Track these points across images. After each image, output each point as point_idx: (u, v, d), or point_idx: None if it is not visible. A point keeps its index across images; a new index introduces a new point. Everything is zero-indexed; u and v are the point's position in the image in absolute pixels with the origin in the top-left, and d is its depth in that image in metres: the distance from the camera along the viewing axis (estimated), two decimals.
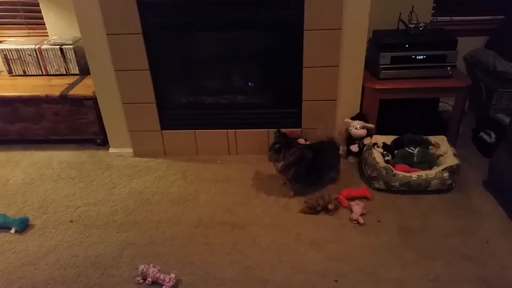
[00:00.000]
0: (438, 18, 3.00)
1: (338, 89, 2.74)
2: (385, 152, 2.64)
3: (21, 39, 3.43)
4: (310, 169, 2.49)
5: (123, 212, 2.47)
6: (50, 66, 3.25)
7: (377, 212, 2.38)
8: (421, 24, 2.78)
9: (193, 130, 2.93)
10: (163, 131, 2.94)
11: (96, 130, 3.08)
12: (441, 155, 2.62)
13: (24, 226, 2.36)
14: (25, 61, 3.24)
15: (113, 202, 2.56)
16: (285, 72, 2.77)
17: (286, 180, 2.54)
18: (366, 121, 2.78)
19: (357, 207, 2.34)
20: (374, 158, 2.54)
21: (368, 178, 2.60)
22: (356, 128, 2.76)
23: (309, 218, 2.36)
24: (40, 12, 3.30)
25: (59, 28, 3.34)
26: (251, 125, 2.90)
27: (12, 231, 2.34)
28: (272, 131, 2.84)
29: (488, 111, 3.09)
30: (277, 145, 2.43)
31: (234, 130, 2.91)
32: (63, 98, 2.97)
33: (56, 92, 2.97)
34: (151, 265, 2.01)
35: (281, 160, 2.43)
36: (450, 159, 2.52)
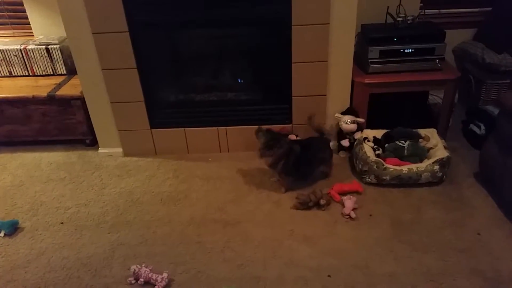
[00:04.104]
0: (426, 11, 2.99)
1: (328, 84, 2.73)
2: (375, 146, 2.64)
3: (6, 39, 3.37)
4: (299, 163, 2.49)
5: (114, 213, 2.45)
6: (36, 66, 3.20)
7: (368, 206, 2.38)
8: (409, 17, 2.78)
9: (183, 128, 2.91)
10: (153, 129, 2.91)
11: (85, 130, 3.05)
12: (431, 148, 2.62)
13: (13, 229, 2.34)
14: (10, 62, 3.19)
15: (104, 202, 2.54)
16: (274, 68, 2.75)
17: (277, 174, 2.53)
18: (356, 116, 2.78)
19: (349, 201, 2.34)
20: (365, 152, 2.54)
21: (359, 173, 2.60)
22: (346, 123, 2.76)
23: (302, 214, 2.36)
24: (25, 11, 3.26)
25: (44, 28, 3.30)
26: (242, 122, 2.88)
27: (1, 234, 2.31)
28: (264, 127, 2.84)
29: (477, 103, 3.11)
30: (271, 142, 2.42)
31: (224, 128, 2.90)
32: (51, 99, 2.93)
33: (43, 93, 2.93)
34: (143, 265, 1.99)
35: (271, 155, 2.43)
36: (440, 151, 2.53)
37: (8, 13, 3.34)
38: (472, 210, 2.32)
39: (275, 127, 2.84)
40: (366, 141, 2.66)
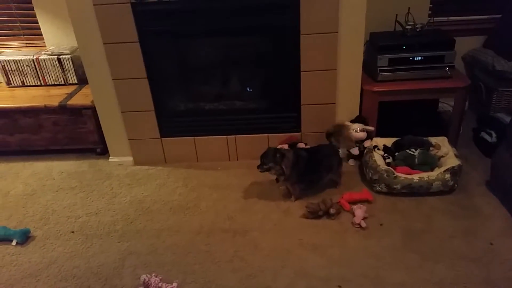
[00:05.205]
0: (434, 18, 2.99)
1: (337, 93, 2.73)
2: (385, 155, 2.63)
3: (19, 50, 3.43)
4: (307, 170, 2.48)
5: (124, 221, 2.46)
6: (48, 76, 3.25)
7: (379, 216, 2.36)
8: (418, 25, 2.77)
9: (193, 137, 2.92)
10: (163, 138, 2.93)
11: (96, 139, 3.07)
12: (442, 156, 2.60)
13: (25, 237, 2.36)
14: (23, 72, 3.24)
15: (114, 211, 2.55)
16: (283, 76, 2.76)
17: (288, 183, 2.52)
18: (366, 124, 2.77)
19: (359, 210, 2.33)
20: (375, 161, 2.53)
21: (369, 181, 2.58)
22: (356, 131, 2.75)
23: (311, 223, 2.35)
24: (37, 22, 3.31)
25: (56, 38, 3.35)
26: (251, 130, 2.89)
27: (13, 243, 2.33)
28: (272, 136, 2.85)
29: (488, 110, 3.08)
30: (279, 154, 2.41)
31: (233, 136, 2.90)
32: (62, 108, 2.97)
33: (55, 102, 2.97)
34: (153, 274, 2.00)
35: (285, 169, 2.42)
36: (451, 160, 2.51)
37: (21, 24, 3.39)
38: (484, 219, 2.29)
39: (284, 136, 2.85)
40: (376, 149, 2.65)
